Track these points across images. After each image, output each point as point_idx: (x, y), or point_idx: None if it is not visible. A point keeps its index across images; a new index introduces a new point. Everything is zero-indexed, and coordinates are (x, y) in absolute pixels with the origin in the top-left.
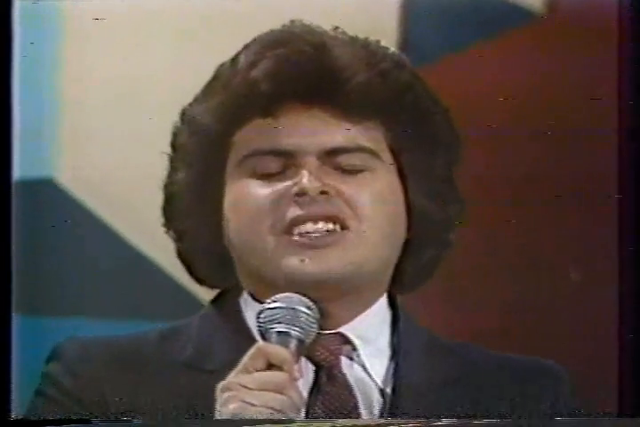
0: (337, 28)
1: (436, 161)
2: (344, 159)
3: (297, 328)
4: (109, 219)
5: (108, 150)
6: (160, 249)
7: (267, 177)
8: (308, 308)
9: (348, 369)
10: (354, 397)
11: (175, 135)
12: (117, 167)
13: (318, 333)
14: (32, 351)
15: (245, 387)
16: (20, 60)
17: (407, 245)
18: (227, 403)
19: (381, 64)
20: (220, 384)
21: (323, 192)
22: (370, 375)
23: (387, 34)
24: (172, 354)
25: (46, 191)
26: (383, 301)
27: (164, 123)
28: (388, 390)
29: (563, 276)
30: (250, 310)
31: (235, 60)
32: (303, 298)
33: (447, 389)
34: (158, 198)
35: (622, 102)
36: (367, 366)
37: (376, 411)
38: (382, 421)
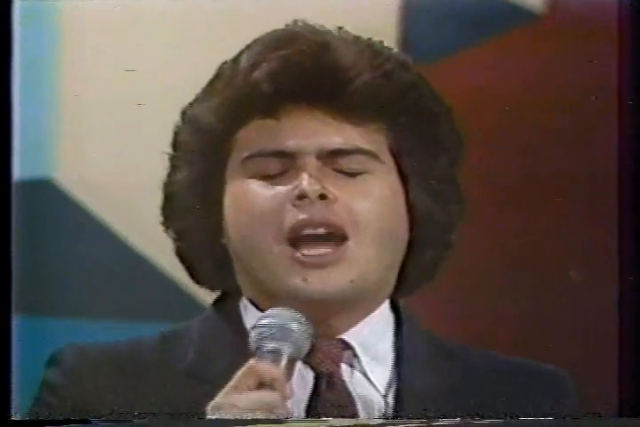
0: (341, 27)
1: (438, 161)
2: (344, 161)
3: (289, 345)
4: (110, 220)
5: (109, 151)
6: (160, 250)
7: (268, 178)
8: (300, 323)
9: (349, 376)
10: (354, 404)
11: (176, 134)
12: (117, 168)
13: (318, 339)
14: (32, 352)
15: (236, 406)
16: (20, 60)
17: (409, 246)
18: None
19: (385, 65)
20: (211, 403)
21: (322, 196)
22: (371, 382)
23: (386, 34)
24: (172, 362)
25: (46, 192)
26: (385, 305)
27: (165, 123)
28: (390, 396)
29: (563, 276)
30: (249, 316)
31: (237, 59)
32: (295, 313)
33: (449, 395)
34: (159, 199)
35: (622, 102)
36: (368, 372)
37: (377, 419)
38: (381, 421)
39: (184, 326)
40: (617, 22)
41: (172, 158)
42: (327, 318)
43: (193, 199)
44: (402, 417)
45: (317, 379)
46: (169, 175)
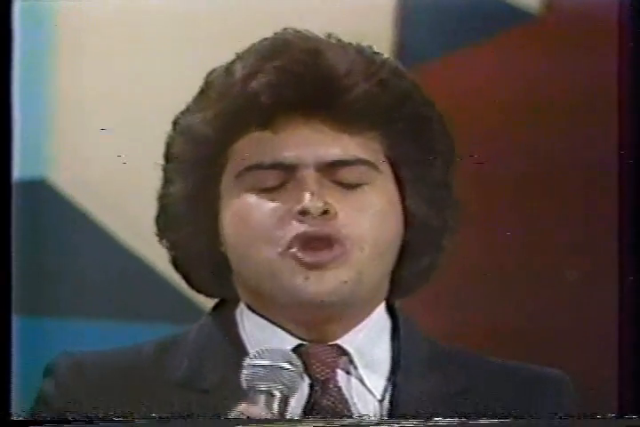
0: (330, 34)
1: (434, 168)
2: (343, 173)
3: (281, 387)
4: (109, 221)
5: (105, 151)
6: (159, 251)
7: (266, 191)
8: (291, 363)
9: (345, 382)
10: (350, 410)
11: (168, 145)
12: (114, 168)
13: (314, 345)
14: (32, 353)
15: None
16: (20, 60)
17: (404, 250)
18: None
19: (380, 73)
20: None
21: (324, 212)
22: (367, 388)
23: (381, 35)
24: (167, 371)
25: (46, 192)
26: (381, 309)
27: (162, 125)
28: (386, 401)
29: (563, 276)
30: (246, 323)
31: (230, 69)
32: (286, 352)
33: (447, 399)
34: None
35: (622, 102)
36: (364, 378)
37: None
38: (381, 420)
39: (180, 334)
40: (616, 22)
41: (166, 170)
42: (323, 323)
43: (188, 212)
44: (399, 417)
45: (312, 385)
46: (163, 187)
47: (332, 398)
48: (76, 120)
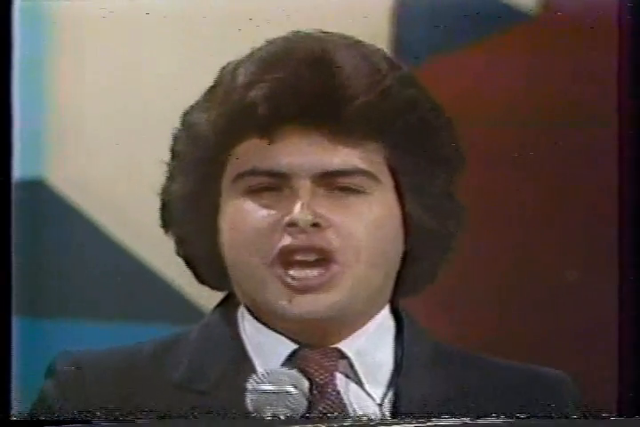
0: (341, 35)
1: (437, 178)
2: (340, 183)
3: (286, 411)
4: (108, 221)
5: (102, 151)
6: (157, 251)
7: (260, 198)
8: (296, 387)
9: (344, 386)
10: (348, 414)
11: (175, 140)
12: (111, 169)
13: (313, 349)
14: (32, 353)
15: None
16: (20, 61)
17: (406, 256)
18: None
19: (384, 82)
20: None
21: (314, 224)
22: (367, 392)
23: (378, 34)
24: (166, 372)
25: (46, 193)
26: (385, 311)
27: (160, 125)
28: (386, 405)
29: (563, 276)
30: (247, 325)
31: (234, 72)
32: (292, 374)
33: (449, 403)
34: (152, 200)
35: (622, 102)
36: (364, 381)
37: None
38: (381, 420)
39: (181, 334)
40: (614, 21)
41: (169, 166)
42: (320, 332)
43: (189, 210)
44: (399, 417)
45: (311, 389)
46: (166, 183)
47: (330, 402)
48: (73, 120)
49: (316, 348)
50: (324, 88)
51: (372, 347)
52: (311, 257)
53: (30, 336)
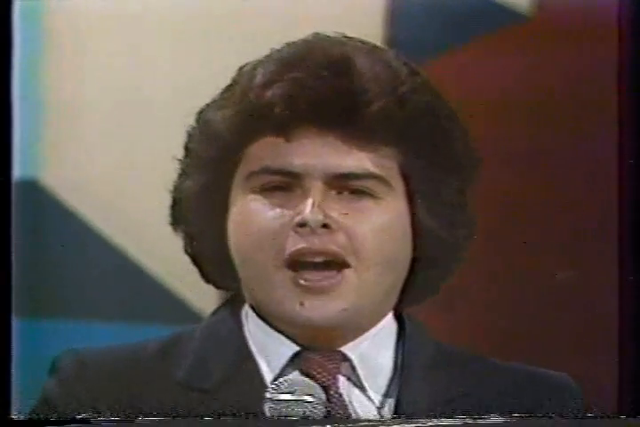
0: (361, 40)
1: (449, 186)
2: (352, 186)
3: (304, 419)
4: (108, 222)
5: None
6: (156, 252)
7: (271, 197)
8: (312, 395)
9: (346, 388)
10: (350, 416)
11: (189, 137)
12: (108, 169)
13: (317, 351)
14: (32, 353)
15: None
16: (20, 61)
17: (413, 264)
18: None
19: (401, 88)
20: None
21: (324, 225)
22: (367, 395)
23: (373, 34)
24: (170, 370)
25: (46, 193)
26: (388, 316)
27: (157, 126)
28: (386, 408)
29: (563, 276)
30: (251, 324)
31: (253, 72)
32: (308, 383)
33: (449, 407)
34: (149, 200)
35: (622, 102)
36: (365, 385)
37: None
38: (383, 420)
39: (184, 333)
40: (617, 22)
41: (182, 163)
42: (324, 337)
43: (200, 207)
44: (400, 418)
45: (328, 397)
46: (178, 180)
47: (332, 405)
48: (69, 121)
49: (319, 350)
50: (341, 90)
51: (375, 350)
52: (321, 259)
53: (30, 336)
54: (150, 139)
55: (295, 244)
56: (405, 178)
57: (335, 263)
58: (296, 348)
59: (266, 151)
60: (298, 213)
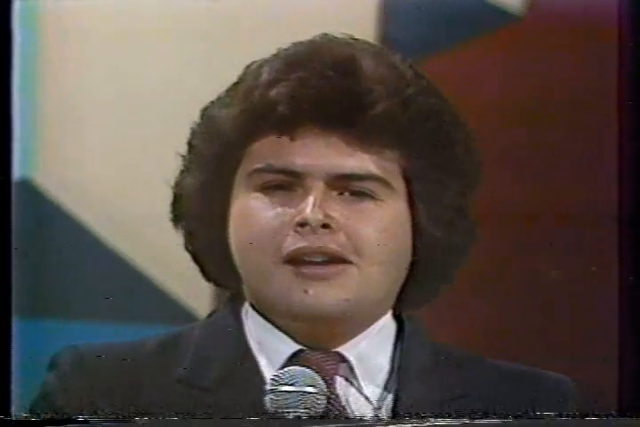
0: (368, 42)
1: (450, 190)
2: (353, 187)
3: (307, 411)
4: (107, 222)
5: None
6: (153, 253)
7: (272, 196)
8: (314, 386)
9: (343, 389)
10: (347, 416)
11: (192, 134)
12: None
13: (314, 351)
14: (32, 353)
15: None
16: (20, 61)
17: (413, 267)
18: None
19: (407, 90)
20: None
21: (324, 225)
22: (365, 396)
23: (365, 34)
24: (169, 367)
25: (44, 193)
26: (387, 317)
27: (151, 124)
28: (383, 409)
29: (563, 277)
30: (251, 323)
31: (259, 70)
32: (308, 373)
33: (446, 405)
34: (146, 200)
35: (622, 102)
36: (363, 386)
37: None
38: (380, 421)
39: (183, 331)
40: (617, 22)
41: (185, 160)
42: (324, 333)
43: (201, 204)
44: (397, 419)
45: (329, 388)
46: (180, 176)
47: (329, 406)
48: (68, 121)
49: (318, 350)
50: (346, 91)
51: (373, 351)
52: (321, 258)
53: (30, 336)
54: (150, 139)
55: (295, 243)
56: (407, 180)
57: (334, 262)
58: (295, 347)
59: (269, 149)
60: (299, 213)
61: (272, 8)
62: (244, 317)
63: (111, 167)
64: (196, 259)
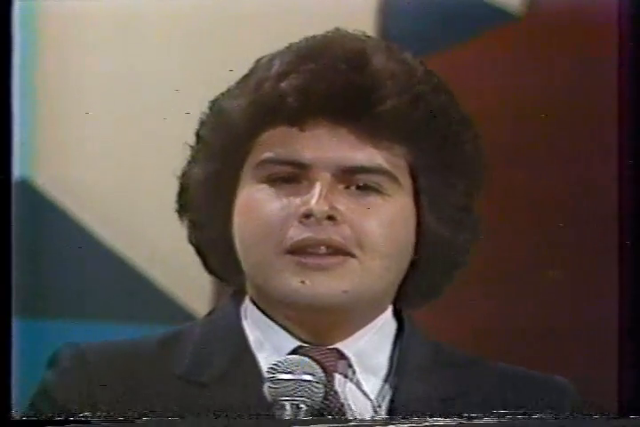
0: (378, 38)
1: (456, 189)
2: (360, 181)
3: (305, 400)
4: (108, 222)
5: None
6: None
7: (278, 187)
8: (312, 374)
9: (342, 386)
10: (346, 414)
11: (201, 125)
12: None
13: (313, 348)
14: (32, 353)
15: None
16: (20, 61)
17: (415, 265)
18: None
19: (417, 87)
20: None
21: (329, 217)
22: (364, 393)
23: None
24: (170, 364)
25: (44, 193)
26: (388, 314)
27: (148, 123)
28: (383, 407)
29: (562, 277)
30: (250, 319)
31: (270, 62)
32: (306, 361)
33: (445, 406)
34: (144, 199)
35: (622, 103)
36: (362, 383)
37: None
38: (378, 420)
39: (184, 329)
40: (617, 22)
41: (192, 150)
42: (323, 327)
43: (207, 194)
44: (396, 417)
45: (327, 377)
46: (187, 166)
47: (327, 402)
48: (64, 120)
49: (315, 346)
50: (357, 85)
51: (372, 349)
52: (324, 250)
53: (30, 336)
54: (150, 139)
55: (300, 234)
56: (414, 177)
57: (338, 253)
58: (295, 343)
59: (277, 141)
60: (304, 204)
61: (272, 8)
62: (243, 314)
63: (111, 167)
64: (199, 251)
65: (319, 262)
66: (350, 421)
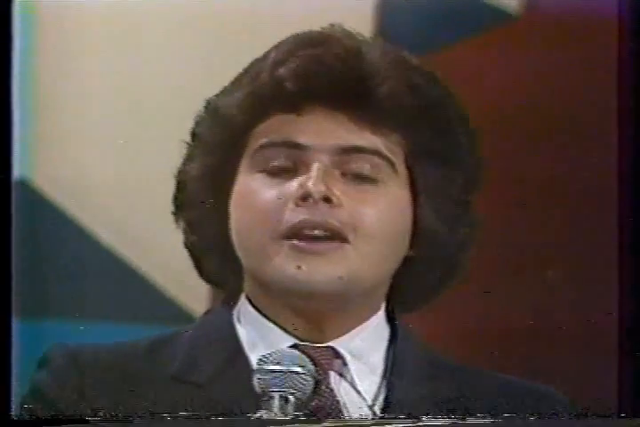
0: (376, 37)
1: (453, 182)
2: (357, 163)
3: (295, 391)
4: (107, 222)
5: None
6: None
7: (276, 173)
8: (302, 366)
9: (337, 384)
10: (341, 412)
11: (196, 124)
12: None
13: (309, 346)
14: (32, 353)
15: None
16: (20, 61)
17: (411, 264)
18: None
19: (415, 78)
20: None
21: (326, 198)
22: (359, 392)
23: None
24: (162, 364)
25: (44, 193)
26: (381, 316)
27: (145, 123)
28: (377, 406)
29: (562, 277)
30: (244, 320)
31: (266, 55)
32: (295, 354)
33: (439, 407)
34: (142, 199)
35: (622, 103)
36: (356, 382)
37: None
38: (373, 420)
39: (178, 330)
40: (617, 22)
41: (189, 148)
42: (318, 321)
43: (203, 191)
44: (390, 417)
45: (317, 369)
46: (183, 164)
47: (323, 400)
48: (64, 120)
49: (312, 343)
50: (355, 71)
51: (367, 349)
52: (321, 232)
53: (30, 336)
54: (150, 139)
55: (296, 216)
56: (410, 170)
57: (332, 238)
58: (290, 341)
59: (274, 127)
60: (300, 186)
61: (271, 7)
62: (236, 316)
63: (111, 167)
64: (193, 255)
65: (315, 247)
66: (347, 421)
